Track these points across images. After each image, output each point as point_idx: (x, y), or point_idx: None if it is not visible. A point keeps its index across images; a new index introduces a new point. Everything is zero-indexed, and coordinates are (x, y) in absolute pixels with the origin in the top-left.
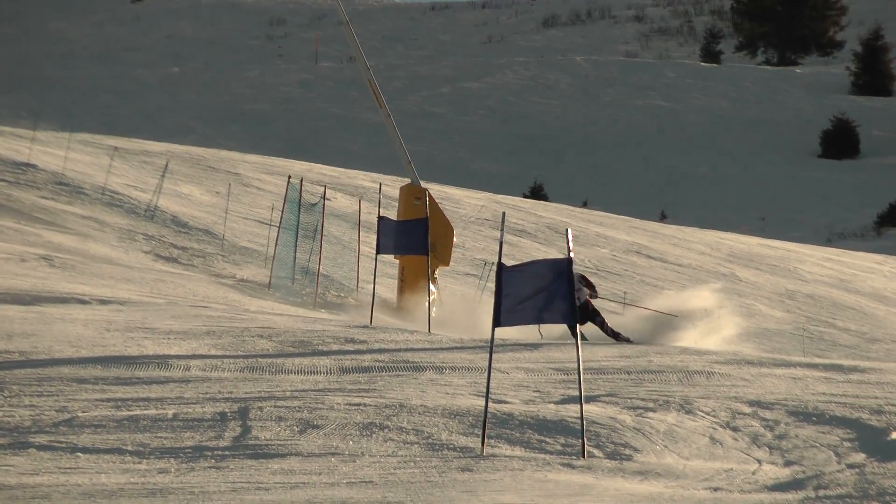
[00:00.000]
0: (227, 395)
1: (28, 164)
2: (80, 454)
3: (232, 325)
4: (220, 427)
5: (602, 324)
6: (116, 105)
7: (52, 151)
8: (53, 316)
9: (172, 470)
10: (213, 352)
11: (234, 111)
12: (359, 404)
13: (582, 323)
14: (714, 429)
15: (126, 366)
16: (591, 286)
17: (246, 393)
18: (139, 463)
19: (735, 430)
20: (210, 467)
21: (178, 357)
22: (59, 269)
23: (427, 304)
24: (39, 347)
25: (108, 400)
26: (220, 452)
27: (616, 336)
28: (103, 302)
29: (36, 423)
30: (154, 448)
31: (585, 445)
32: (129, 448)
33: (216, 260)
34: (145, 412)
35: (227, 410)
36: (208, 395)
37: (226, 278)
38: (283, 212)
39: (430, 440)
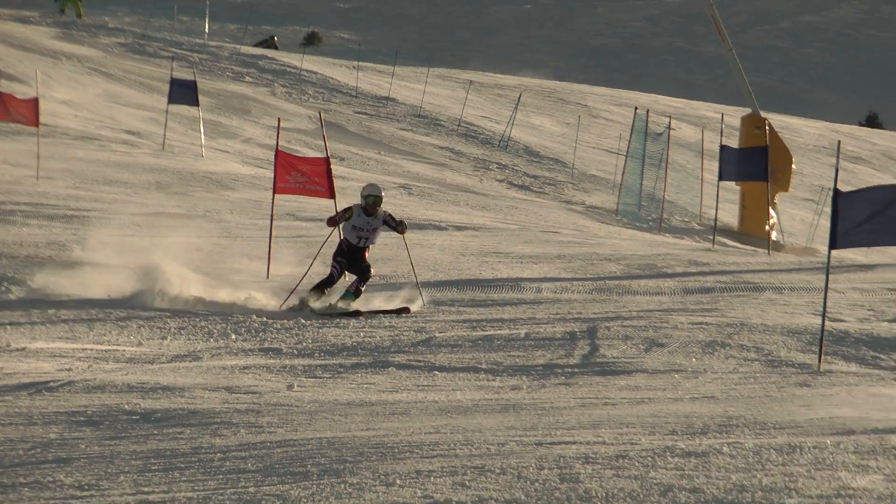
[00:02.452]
0: (576, 316)
1: (388, 98)
2: (436, 372)
3: (581, 250)
4: (569, 346)
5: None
6: (472, 41)
7: (411, 86)
8: (412, 241)
9: (524, 387)
10: (563, 274)
11: (584, 46)
12: (701, 323)
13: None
14: None
15: (481, 288)
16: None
17: (594, 313)
18: (493, 380)
19: None
20: (560, 384)
21: (530, 280)
22: (416, 196)
23: (767, 227)
24: (398, 272)
25: (464, 321)
26: (569, 370)
27: (357, 292)
28: (459, 228)
29: (395, 344)
30: (507, 366)
31: None
32: (484, 366)
33: (566, 188)
34: (499, 332)
35: (576, 330)
36: (559, 316)
37: (575, 205)
38: (629, 141)
39: (769, 357)
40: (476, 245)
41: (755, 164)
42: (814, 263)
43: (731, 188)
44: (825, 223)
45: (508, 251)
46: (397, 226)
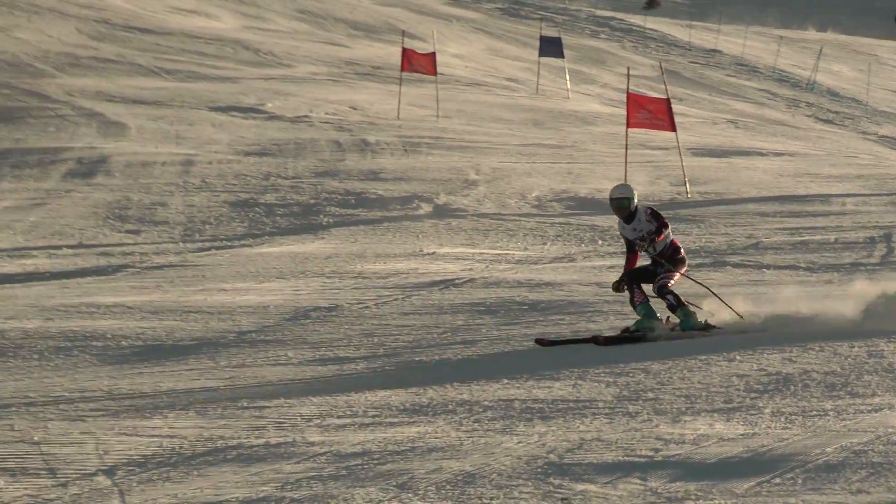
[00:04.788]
0: (874, 224)
1: (714, 50)
2: (764, 270)
3: (876, 171)
4: (869, 248)
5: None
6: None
7: (732, 40)
8: (739, 165)
9: (835, 280)
10: (862, 191)
11: (864, 6)
12: None
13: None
14: None
15: (797, 202)
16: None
17: (889, 222)
18: (810, 276)
19: None
20: (864, 279)
21: (836, 195)
22: (742, 129)
23: None
24: (730, 189)
25: (784, 229)
26: (870, 267)
27: (675, 305)
28: (777, 154)
29: (730, 247)
30: (821, 265)
31: None
32: (802, 265)
33: (862, 121)
34: (813, 238)
35: (874, 235)
36: (860, 224)
37: (870, 135)
38: None
39: None
40: (791, 168)
41: None
42: None
43: None
44: None
45: (817, 172)
46: (658, 226)
